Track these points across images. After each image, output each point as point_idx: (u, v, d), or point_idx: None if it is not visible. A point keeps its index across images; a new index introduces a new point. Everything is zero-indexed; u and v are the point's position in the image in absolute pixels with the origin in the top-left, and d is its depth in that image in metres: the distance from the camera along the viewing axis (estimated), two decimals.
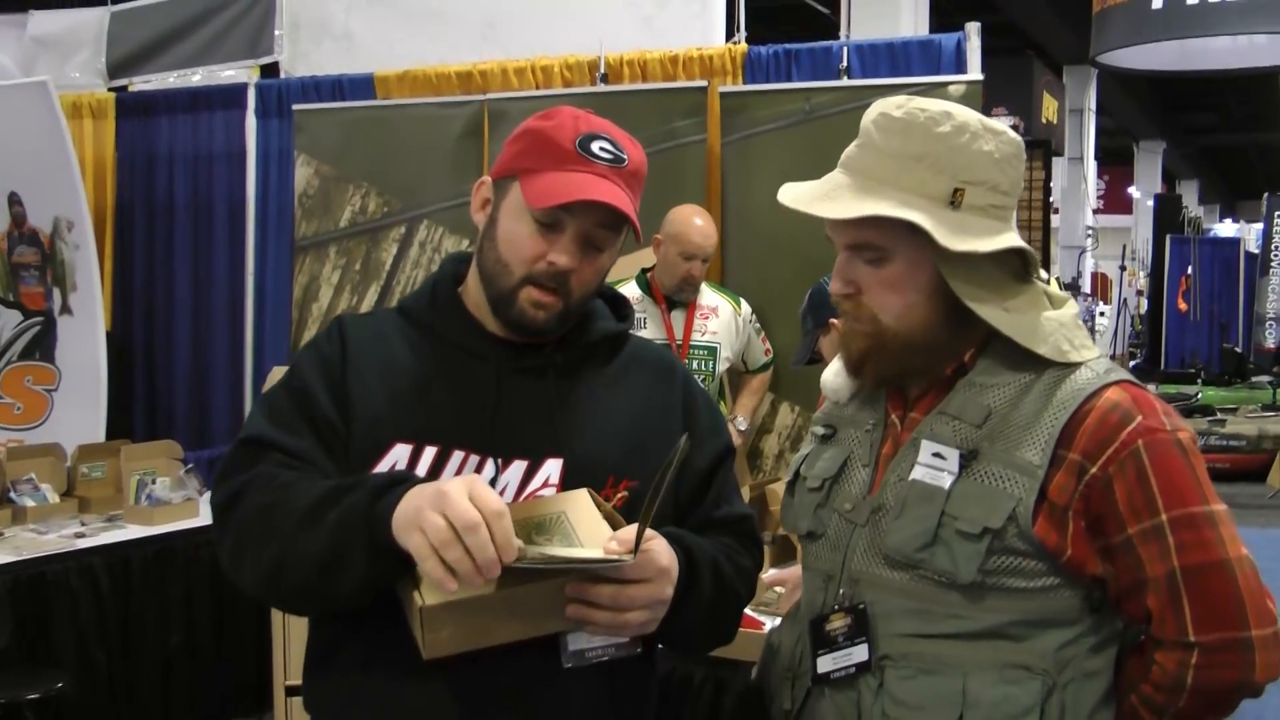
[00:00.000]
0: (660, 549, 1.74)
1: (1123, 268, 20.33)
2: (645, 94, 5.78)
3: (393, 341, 1.97)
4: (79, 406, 6.38)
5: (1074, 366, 1.81)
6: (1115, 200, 26.81)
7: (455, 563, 1.56)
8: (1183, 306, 18.69)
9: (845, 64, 5.58)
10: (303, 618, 2.02)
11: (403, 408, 1.89)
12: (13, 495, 5.26)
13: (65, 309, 6.46)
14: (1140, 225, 23.69)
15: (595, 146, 1.87)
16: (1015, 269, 1.87)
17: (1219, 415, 13.68)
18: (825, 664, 1.88)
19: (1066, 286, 15.25)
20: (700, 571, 1.84)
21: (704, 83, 5.70)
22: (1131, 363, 19.22)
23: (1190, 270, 18.67)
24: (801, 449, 2.16)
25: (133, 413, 7.42)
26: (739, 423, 5.10)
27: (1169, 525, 1.72)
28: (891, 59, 5.56)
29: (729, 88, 5.68)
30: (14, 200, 6.45)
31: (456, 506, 1.57)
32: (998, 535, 1.75)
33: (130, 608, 5.02)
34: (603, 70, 6.00)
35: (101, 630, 4.90)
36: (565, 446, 1.89)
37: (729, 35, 6.14)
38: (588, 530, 1.72)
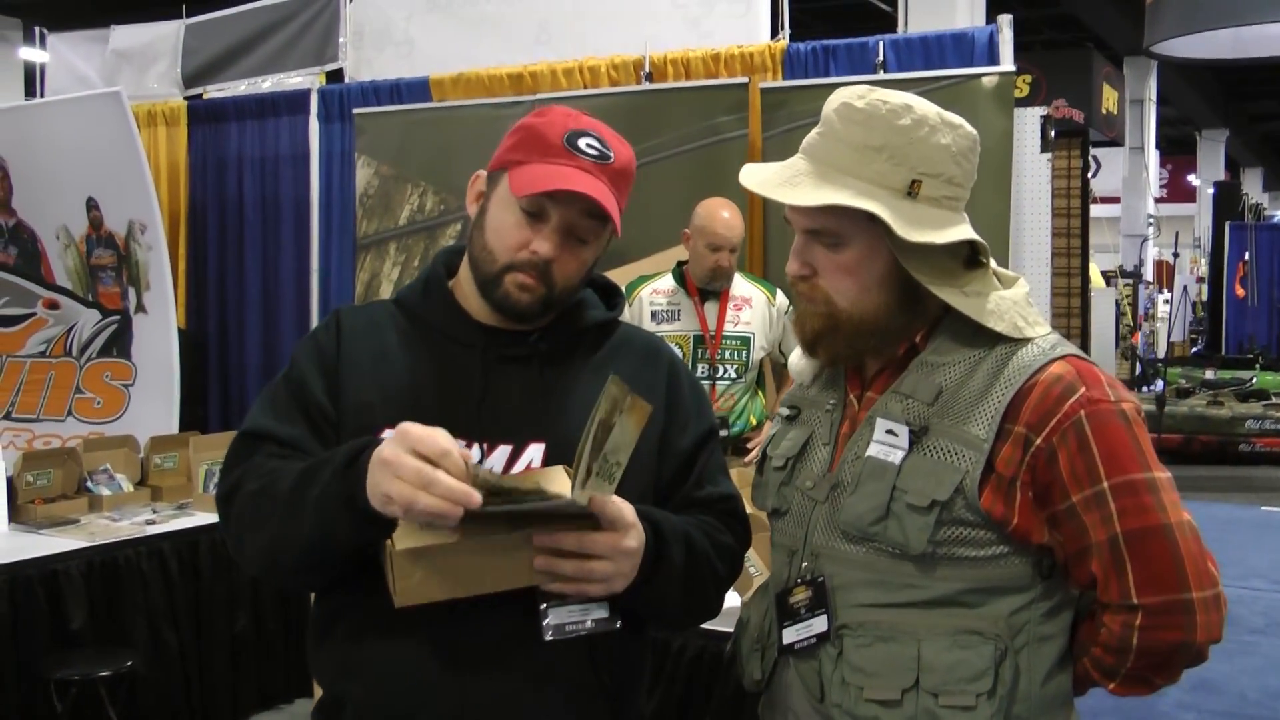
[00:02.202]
0: (623, 505, 1.78)
1: (1176, 255, 20.05)
2: (688, 91, 5.92)
3: (385, 331, 2.04)
4: (154, 400, 6.57)
5: (1022, 343, 1.86)
6: (1179, 189, 26.45)
7: (428, 509, 1.63)
8: (1240, 292, 18.45)
9: (881, 58, 5.68)
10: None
11: (392, 394, 1.95)
12: (90, 485, 5.47)
13: (140, 307, 6.65)
14: (1203, 213, 23.31)
15: (582, 142, 1.93)
16: (967, 255, 1.93)
17: (1274, 399, 13.54)
18: (790, 635, 1.95)
19: (1128, 275, 15.16)
20: (668, 543, 1.89)
21: (745, 79, 5.82)
22: (1193, 349, 19.02)
23: (1247, 256, 18.43)
24: (768, 430, 2.23)
25: (207, 405, 7.67)
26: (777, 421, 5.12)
27: (1110, 492, 1.76)
28: (925, 52, 5.65)
29: (769, 83, 5.79)
30: (92, 205, 6.66)
31: (407, 467, 1.65)
32: (946, 507, 1.80)
33: (199, 591, 5.16)
34: (647, 69, 6.14)
35: (171, 612, 5.04)
36: (548, 431, 1.94)
37: (774, 34, 6.23)
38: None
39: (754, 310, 5.00)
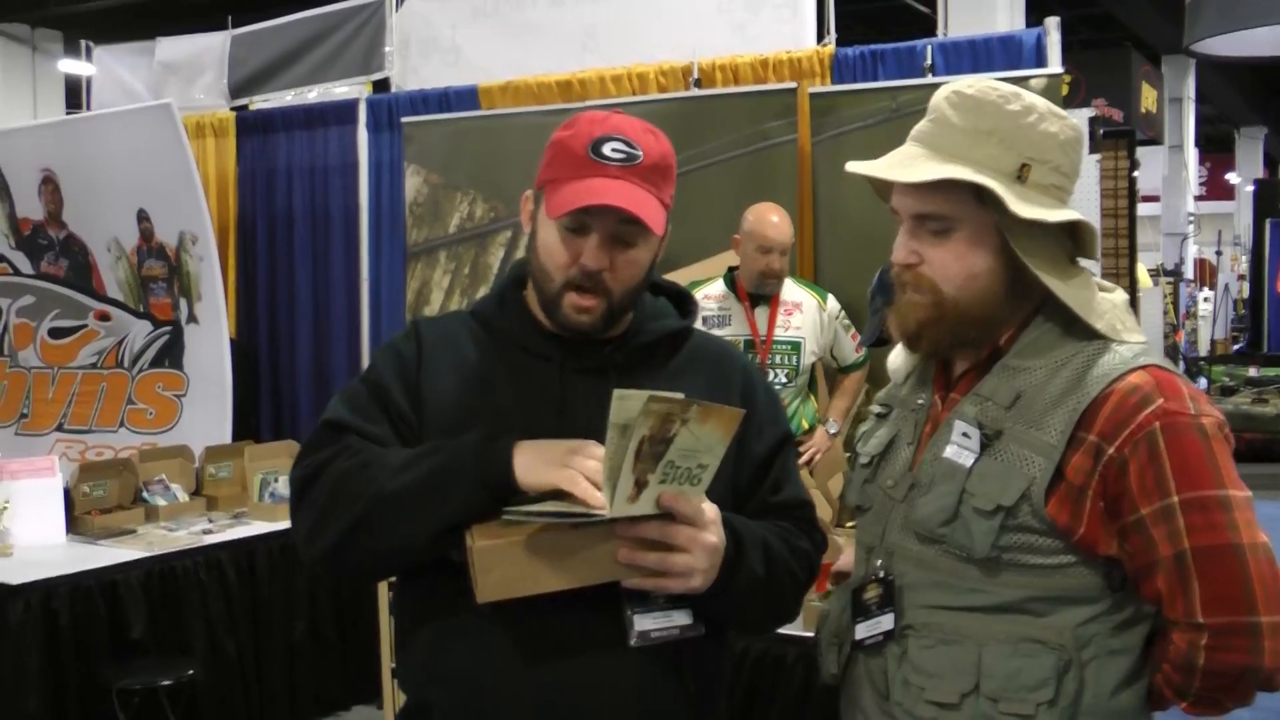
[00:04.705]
0: (704, 504, 1.82)
1: (1219, 253, 19.91)
2: (737, 97, 5.89)
3: (463, 343, 2.06)
4: (207, 410, 6.61)
5: (1104, 350, 1.85)
6: (1218, 187, 26.28)
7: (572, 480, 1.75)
8: None
9: (929, 62, 5.65)
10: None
11: (472, 406, 1.97)
12: (145, 495, 5.54)
13: (192, 318, 6.69)
14: (1243, 211, 23.15)
15: (607, 149, 1.92)
16: (1069, 251, 1.94)
17: None
18: (861, 631, 1.97)
19: (1169, 273, 15.07)
20: (747, 546, 1.91)
21: (793, 84, 5.80)
22: (1235, 346, 18.83)
23: None
24: (861, 426, 2.24)
25: (259, 415, 7.68)
26: (830, 426, 5.15)
27: (1180, 507, 1.73)
28: (974, 56, 5.60)
29: (818, 88, 5.76)
30: (142, 217, 6.71)
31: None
32: (1011, 513, 1.80)
33: (256, 599, 5.22)
34: (696, 75, 6.14)
35: (230, 621, 5.10)
36: None
37: (819, 39, 6.22)
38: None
39: (805, 315, 5.02)
